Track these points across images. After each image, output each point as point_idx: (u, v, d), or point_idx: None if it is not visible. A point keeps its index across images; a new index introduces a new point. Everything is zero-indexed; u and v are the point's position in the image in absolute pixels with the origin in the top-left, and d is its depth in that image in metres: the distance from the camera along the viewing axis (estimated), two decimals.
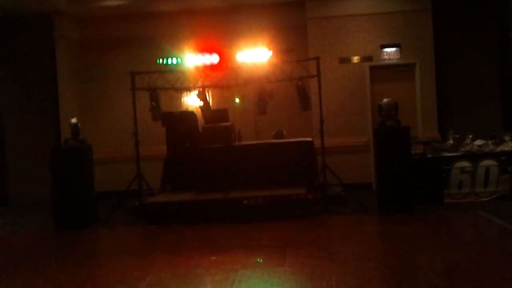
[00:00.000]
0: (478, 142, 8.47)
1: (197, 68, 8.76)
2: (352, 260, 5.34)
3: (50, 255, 6.67)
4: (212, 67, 8.71)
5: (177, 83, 8.88)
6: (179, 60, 8.67)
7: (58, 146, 9.18)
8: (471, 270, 4.77)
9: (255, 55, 8.49)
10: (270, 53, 8.50)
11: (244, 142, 9.24)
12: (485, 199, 8.14)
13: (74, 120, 8.39)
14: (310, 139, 8.75)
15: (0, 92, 11.24)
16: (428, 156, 8.42)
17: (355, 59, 10.31)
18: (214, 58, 8.61)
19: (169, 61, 8.67)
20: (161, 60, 8.69)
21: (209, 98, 9.44)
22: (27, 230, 8.33)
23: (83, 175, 8.08)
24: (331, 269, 4.97)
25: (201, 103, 8.94)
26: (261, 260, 5.29)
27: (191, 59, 8.66)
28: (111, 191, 9.55)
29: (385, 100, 7.90)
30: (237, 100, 9.06)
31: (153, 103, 8.75)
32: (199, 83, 8.97)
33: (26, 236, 7.90)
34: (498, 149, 8.34)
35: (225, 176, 8.49)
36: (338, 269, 5.00)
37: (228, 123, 8.93)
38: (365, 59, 10.23)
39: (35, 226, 8.56)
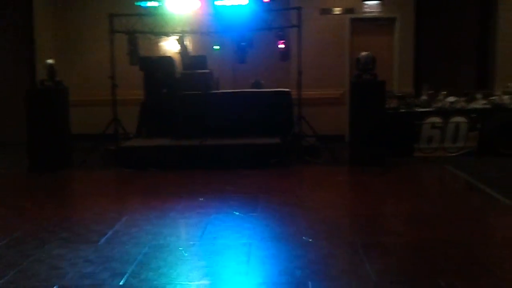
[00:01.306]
0: (451, 98, 8.66)
1: (176, 12, 8.63)
2: (322, 208, 5.55)
3: (26, 196, 6.72)
4: (192, 12, 8.60)
5: (156, 28, 8.78)
6: (158, 3, 8.53)
7: (34, 87, 9.07)
8: (432, 219, 5.03)
9: (236, 2, 8.40)
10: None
11: (221, 90, 9.25)
12: (453, 154, 8.42)
13: (50, 61, 8.25)
14: (287, 89, 8.82)
15: None
16: (401, 110, 8.60)
17: (337, 10, 10.26)
18: (194, 3, 8.49)
19: (148, 4, 8.52)
20: (140, 3, 8.53)
21: (188, 44, 9.37)
22: (2, 171, 8.32)
23: (58, 116, 8.06)
24: (301, 216, 5.19)
25: (180, 49, 8.87)
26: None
27: (171, 3, 8.52)
28: (87, 134, 9.52)
29: (363, 53, 7.96)
30: (216, 47, 9.02)
31: (131, 47, 8.65)
32: (179, 29, 8.87)
33: (0, 177, 7.91)
34: (469, 107, 8.56)
35: (201, 123, 8.54)
36: (308, 216, 5.21)
37: (206, 70, 8.90)
38: (346, 11, 10.21)
39: (10, 167, 8.55)
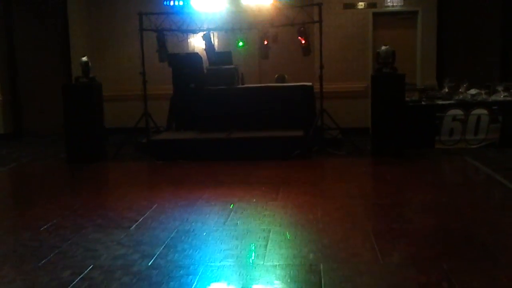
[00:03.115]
0: (472, 91, 8.74)
1: (202, 10, 9.00)
2: (339, 197, 5.83)
3: (63, 185, 7.24)
4: (217, 10, 8.95)
5: (183, 25, 9.14)
6: (185, 2, 8.90)
7: (70, 83, 9.57)
8: (444, 208, 5.26)
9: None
10: None
11: (246, 85, 9.56)
12: (474, 146, 8.51)
13: (84, 59, 8.70)
14: (310, 83, 9.07)
15: (14, 31, 11.57)
16: (423, 103, 8.74)
17: (361, 5, 10.43)
18: (219, 2, 8.83)
19: (175, 3, 8.90)
20: (168, 2, 8.91)
21: (214, 40, 9.70)
22: (41, 162, 8.86)
23: (93, 111, 8.47)
24: (319, 204, 5.48)
25: (206, 46, 9.21)
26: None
27: (197, 2, 8.88)
28: (119, 128, 10.00)
29: (383, 47, 8.16)
30: (240, 43, 9.33)
31: (160, 44, 9.04)
32: (205, 26, 9.21)
33: (40, 168, 8.45)
34: (490, 99, 8.64)
35: (227, 116, 8.86)
36: (325, 204, 5.51)
37: (232, 66, 9.22)
38: (369, 5, 10.37)
39: (48, 158, 9.08)
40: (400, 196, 5.88)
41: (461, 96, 8.69)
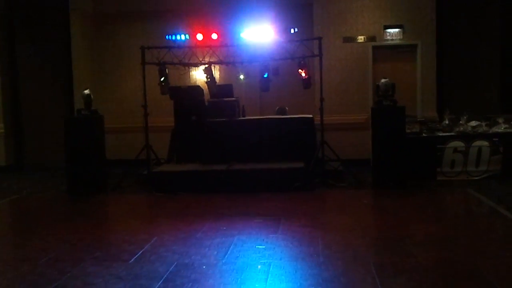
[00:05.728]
0: (473, 123, 8.79)
1: (204, 44, 9.13)
2: (340, 230, 5.78)
3: (63, 218, 7.19)
4: (218, 44, 9.08)
5: (185, 59, 9.26)
6: (186, 36, 9.05)
7: (72, 116, 9.63)
8: (446, 242, 5.21)
9: (260, 33, 8.83)
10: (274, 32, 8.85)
11: (247, 117, 9.60)
12: (476, 178, 8.51)
13: (87, 91, 8.79)
14: (310, 115, 9.11)
15: (17, 64, 11.71)
16: (424, 135, 8.78)
17: (360, 38, 10.57)
18: (220, 36, 8.98)
19: (177, 37, 9.04)
20: (170, 36, 9.05)
21: (215, 73, 9.80)
22: (42, 194, 8.83)
23: (95, 143, 8.51)
24: (320, 237, 5.42)
25: (207, 78, 9.30)
26: None
27: (199, 36, 9.03)
28: (120, 160, 10.01)
29: (382, 80, 8.23)
30: (241, 76, 9.42)
31: (161, 78, 9.13)
32: (206, 59, 9.33)
33: (41, 200, 8.41)
34: (491, 131, 8.67)
35: (228, 148, 8.88)
36: (326, 237, 5.46)
37: (233, 98, 9.29)
38: (369, 39, 10.51)
39: (49, 190, 9.05)
40: (402, 229, 5.81)
41: (461, 128, 8.74)
